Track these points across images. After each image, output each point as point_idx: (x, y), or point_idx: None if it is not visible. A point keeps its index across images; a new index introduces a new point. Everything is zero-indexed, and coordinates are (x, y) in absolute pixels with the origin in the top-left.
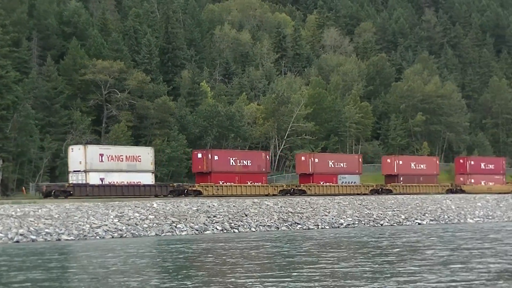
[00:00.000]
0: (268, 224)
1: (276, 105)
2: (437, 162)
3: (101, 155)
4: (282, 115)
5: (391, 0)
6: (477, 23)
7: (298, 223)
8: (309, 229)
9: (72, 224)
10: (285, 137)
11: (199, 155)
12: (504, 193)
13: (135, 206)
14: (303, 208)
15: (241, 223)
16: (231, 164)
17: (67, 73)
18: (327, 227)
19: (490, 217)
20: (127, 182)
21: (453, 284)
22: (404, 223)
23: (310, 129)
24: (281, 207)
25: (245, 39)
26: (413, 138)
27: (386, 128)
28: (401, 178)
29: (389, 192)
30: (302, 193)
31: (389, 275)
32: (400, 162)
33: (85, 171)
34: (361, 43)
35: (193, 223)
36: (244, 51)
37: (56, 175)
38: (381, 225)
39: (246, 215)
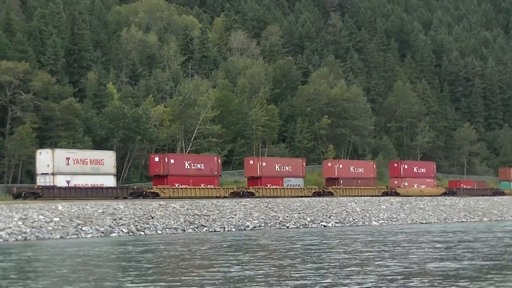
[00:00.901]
0: (174, 226)
1: (183, 108)
2: (374, 166)
3: (68, 158)
4: (189, 117)
5: (297, 3)
6: (382, 28)
7: (204, 226)
8: (215, 231)
9: None
10: (192, 140)
11: (156, 159)
12: (435, 195)
13: (40, 209)
14: (210, 211)
15: (147, 225)
16: (186, 167)
17: None
18: (234, 229)
19: (394, 220)
20: (91, 184)
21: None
22: (310, 226)
23: (217, 132)
24: (187, 209)
25: (152, 41)
26: (319, 141)
27: (292, 131)
28: (341, 181)
29: (330, 194)
30: (251, 195)
31: (281, 278)
32: (340, 166)
33: (53, 174)
34: (268, 46)
35: (98, 225)
36: (151, 53)
37: None
38: (287, 227)
39: (152, 218)
